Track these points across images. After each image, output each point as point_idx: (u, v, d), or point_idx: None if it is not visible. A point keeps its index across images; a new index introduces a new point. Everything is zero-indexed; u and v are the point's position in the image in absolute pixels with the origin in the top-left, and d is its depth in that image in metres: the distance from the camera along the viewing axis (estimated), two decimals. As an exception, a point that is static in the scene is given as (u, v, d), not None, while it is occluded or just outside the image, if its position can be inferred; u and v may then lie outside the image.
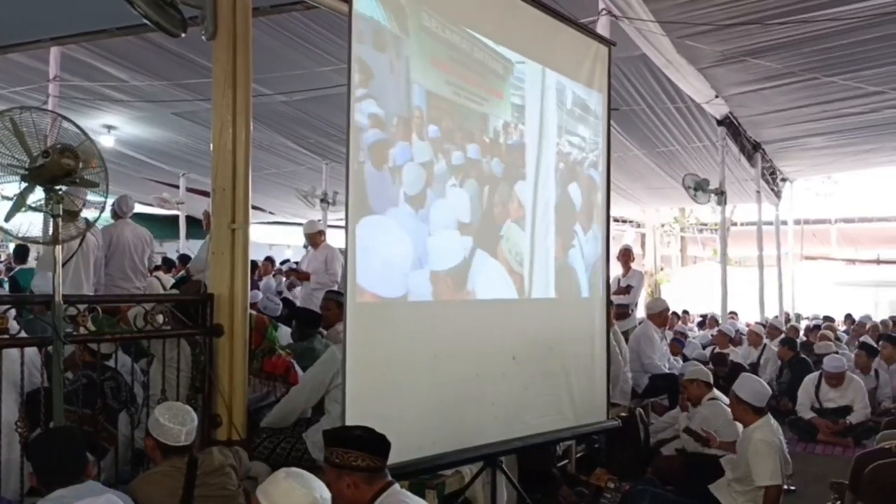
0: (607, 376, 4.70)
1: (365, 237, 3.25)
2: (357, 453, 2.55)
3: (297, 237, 17.29)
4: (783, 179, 13.65)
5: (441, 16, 3.64)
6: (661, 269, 23.49)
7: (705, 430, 5.19)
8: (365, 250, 3.26)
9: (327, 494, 2.32)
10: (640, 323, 7.65)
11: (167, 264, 10.62)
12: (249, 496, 3.21)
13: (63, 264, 3.25)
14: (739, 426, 4.81)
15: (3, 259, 13.12)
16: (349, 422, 3.04)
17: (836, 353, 8.16)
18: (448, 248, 3.67)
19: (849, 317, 12.99)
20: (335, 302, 5.56)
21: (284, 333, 5.80)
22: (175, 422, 3.03)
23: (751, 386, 4.62)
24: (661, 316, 7.33)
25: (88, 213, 3.53)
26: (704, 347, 10.06)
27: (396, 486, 2.62)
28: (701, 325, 13.18)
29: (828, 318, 12.91)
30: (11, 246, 11.96)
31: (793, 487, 5.53)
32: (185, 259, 10.04)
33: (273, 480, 2.31)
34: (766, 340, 9.65)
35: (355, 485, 2.52)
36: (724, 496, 4.54)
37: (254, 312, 5.11)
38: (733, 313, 12.95)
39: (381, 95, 3.36)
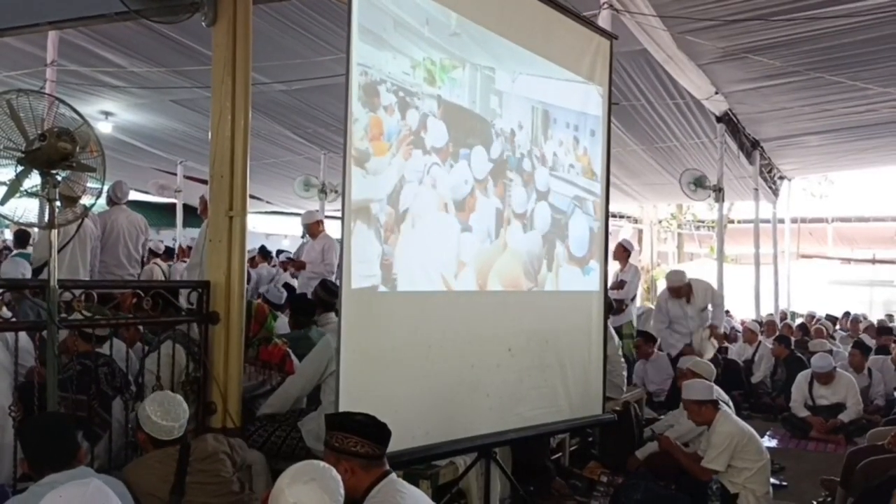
0: (604, 370, 4.70)
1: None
2: (357, 439, 2.55)
3: (294, 227, 17.31)
4: (781, 177, 13.65)
5: (440, 3, 3.62)
6: (658, 265, 23.53)
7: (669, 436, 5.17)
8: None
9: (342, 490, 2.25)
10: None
11: (169, 254, 10.59)
12: (244, 485, 3.22)
13: (59, 250, 3.23)
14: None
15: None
16: (343, 410, 3.01)
17: (827, 350, 8.17)
18: (444, 238, 3.66)
19: (847, 315, 13.02)
20: (321, 298, 5.52)
21: (282, 323, 5.78)
22: (167, 419, 3.01)
23: (696, 387, 4.75)
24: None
25: (85, 199, 3.51)
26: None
27: (394, 475, 2.61)
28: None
29: (830, 318, 12.90)
30: (7, 232, 11.91)
31: (784, 483, 5.56)
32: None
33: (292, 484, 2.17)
34: (761, 338, 9.68)
35: (353, 471, 2.51)
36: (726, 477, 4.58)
37: (259, 301, 5.12)
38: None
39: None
